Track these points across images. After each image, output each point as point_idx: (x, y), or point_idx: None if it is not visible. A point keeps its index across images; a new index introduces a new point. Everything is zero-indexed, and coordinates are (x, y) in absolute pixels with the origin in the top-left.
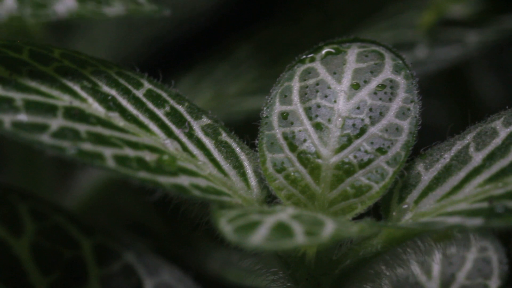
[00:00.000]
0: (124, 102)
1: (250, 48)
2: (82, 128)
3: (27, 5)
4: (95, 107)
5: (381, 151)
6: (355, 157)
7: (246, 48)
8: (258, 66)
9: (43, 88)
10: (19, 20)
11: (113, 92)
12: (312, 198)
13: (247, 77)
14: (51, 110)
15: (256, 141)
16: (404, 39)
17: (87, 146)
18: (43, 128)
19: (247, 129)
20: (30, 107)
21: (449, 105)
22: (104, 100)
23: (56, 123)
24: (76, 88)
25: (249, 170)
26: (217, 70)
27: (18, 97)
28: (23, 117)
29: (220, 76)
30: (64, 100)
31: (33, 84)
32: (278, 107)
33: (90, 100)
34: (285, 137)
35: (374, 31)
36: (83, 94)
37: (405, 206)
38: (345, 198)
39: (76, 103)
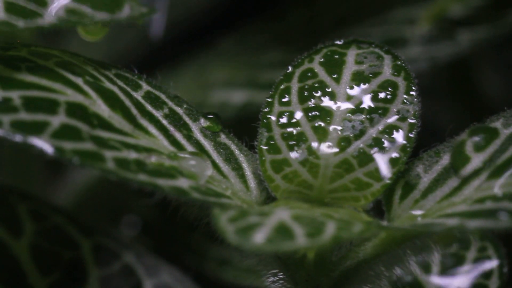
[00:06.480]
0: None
1: (235, 44)
2: (82, 129)
3: (16, 14)
4: (99, 104)
5: (380, 152)
6: (354, 158)
7: (231, 43)
8: (243, 61)
9: (44, 82)
10: (8, 28)
11: None
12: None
13: (232, 72)
14: (52, 108)
15: (255, 143)
16: (395, 36)
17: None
18: (43, 127)
19: (247, 130)
20: (30, 106)
21: (449, 105)
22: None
23: (57, 120)
24: (79, 82)
25: (248, 172)
26: (204, 65)
27: (16, 94)
28: (22, 117)
29: (206, 71)
30: (68, 94)
31: (33, 78)
32: (277, 108)
33: (94, 96)
34: (284, 138)
35: (363, 27)
36: (87, 89)
37: (405, 207)
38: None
39: (80, 99)
